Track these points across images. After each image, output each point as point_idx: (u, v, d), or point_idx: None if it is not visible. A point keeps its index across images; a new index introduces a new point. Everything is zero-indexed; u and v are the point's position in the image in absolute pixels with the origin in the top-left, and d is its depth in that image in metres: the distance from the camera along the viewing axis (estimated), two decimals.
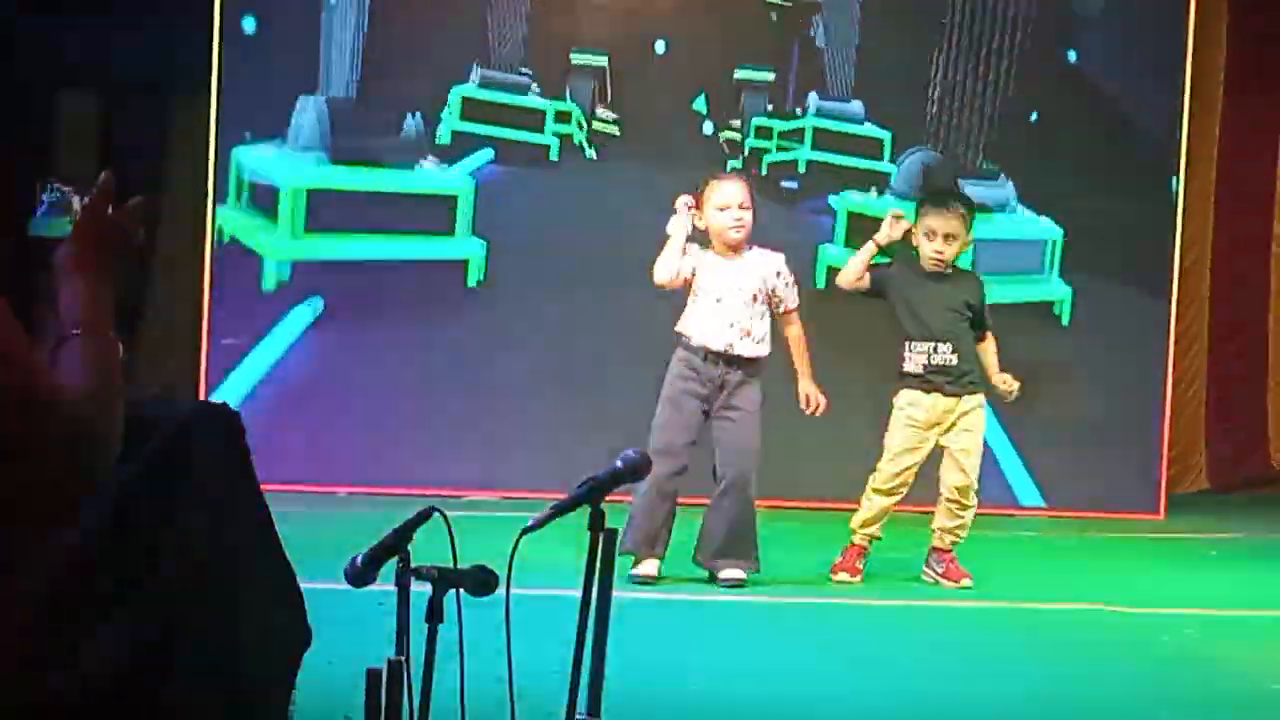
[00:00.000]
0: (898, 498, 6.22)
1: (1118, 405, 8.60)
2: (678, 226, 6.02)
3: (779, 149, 8.33)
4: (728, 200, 6.01)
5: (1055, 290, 8.62)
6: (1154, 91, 8.62)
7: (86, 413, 2.03)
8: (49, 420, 2.02)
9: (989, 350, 6.36)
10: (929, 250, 6.19)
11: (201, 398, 7.64)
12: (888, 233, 6.23)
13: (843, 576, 6.22)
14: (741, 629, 5.49)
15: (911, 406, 6.20)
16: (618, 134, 8.19)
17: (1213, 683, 4.90)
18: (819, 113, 8.37)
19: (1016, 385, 6.33)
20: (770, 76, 8.32)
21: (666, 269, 6.03)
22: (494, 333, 8.07)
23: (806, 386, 6.13)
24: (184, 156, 8.00)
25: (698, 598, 5.87)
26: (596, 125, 8.18)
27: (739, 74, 8.28)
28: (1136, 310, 8.65)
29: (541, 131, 8.13)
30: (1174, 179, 8.61)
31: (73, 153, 8.00)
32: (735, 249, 6.05)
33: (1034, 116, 8.50)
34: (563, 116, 8.16)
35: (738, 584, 5.98)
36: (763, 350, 6.05)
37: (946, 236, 6.16)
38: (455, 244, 8.07)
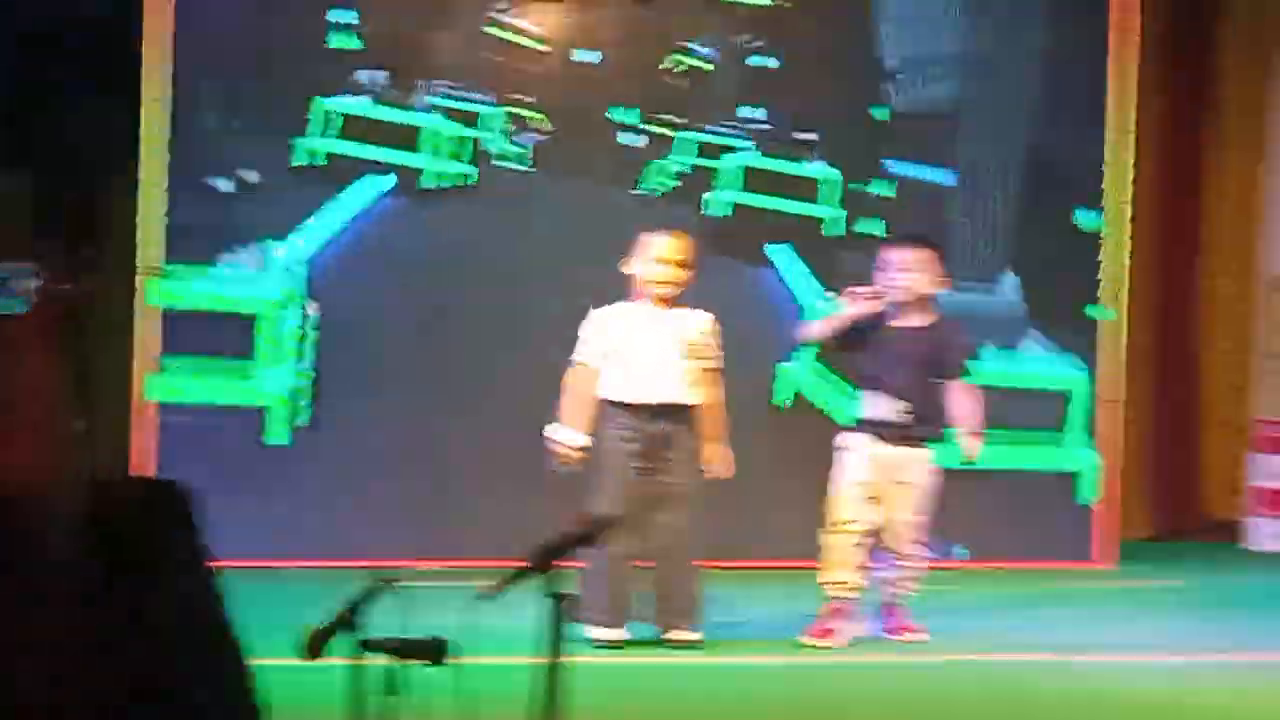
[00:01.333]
0: (853, 539, 6.07)
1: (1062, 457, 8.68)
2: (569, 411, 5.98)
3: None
4: (664, 254, 6.00)
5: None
6: (1075, 137, 8.73)
7: (41, 491, 2.01)
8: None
9: (961, 401, 6.18)
10: (883, 281, 6.15)
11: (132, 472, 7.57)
12: (866, 310, 6.14)
13: (809, 640, 6.08)
14: (700, 692, 5.45)
15: (853, 449, 6.15)
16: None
17: None
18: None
19: (977, 449, 6.19)
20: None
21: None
22: (434, 395, 8.05)
23: (716, 451, 6.02)
24: (114, 229, 7.94)
25: (658, 660, 5.83)
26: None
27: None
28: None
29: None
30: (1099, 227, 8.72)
31: (13, 232, 7.95)
32: (665, 302, 6.03)
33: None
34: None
35: (693, 645, 5.94)
36: (695, 400, 6.00)
37: (900, 267, 6.13)
38: None
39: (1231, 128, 9.96)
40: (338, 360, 7.97)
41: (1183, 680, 5.71)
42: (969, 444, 6.17)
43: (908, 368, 6.12)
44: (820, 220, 8.40)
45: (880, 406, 6.13)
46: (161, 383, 7.74)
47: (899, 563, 6.21)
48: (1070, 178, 8.75)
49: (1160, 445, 9.96)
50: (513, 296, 8.05)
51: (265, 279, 7.88)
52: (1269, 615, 7.22)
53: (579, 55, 8.21)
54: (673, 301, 6.04)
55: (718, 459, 6.03)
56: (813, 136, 8.40)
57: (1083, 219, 8.74)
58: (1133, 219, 8.82)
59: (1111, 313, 8.73)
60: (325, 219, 7.94)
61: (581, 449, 5.93)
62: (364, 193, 7.98)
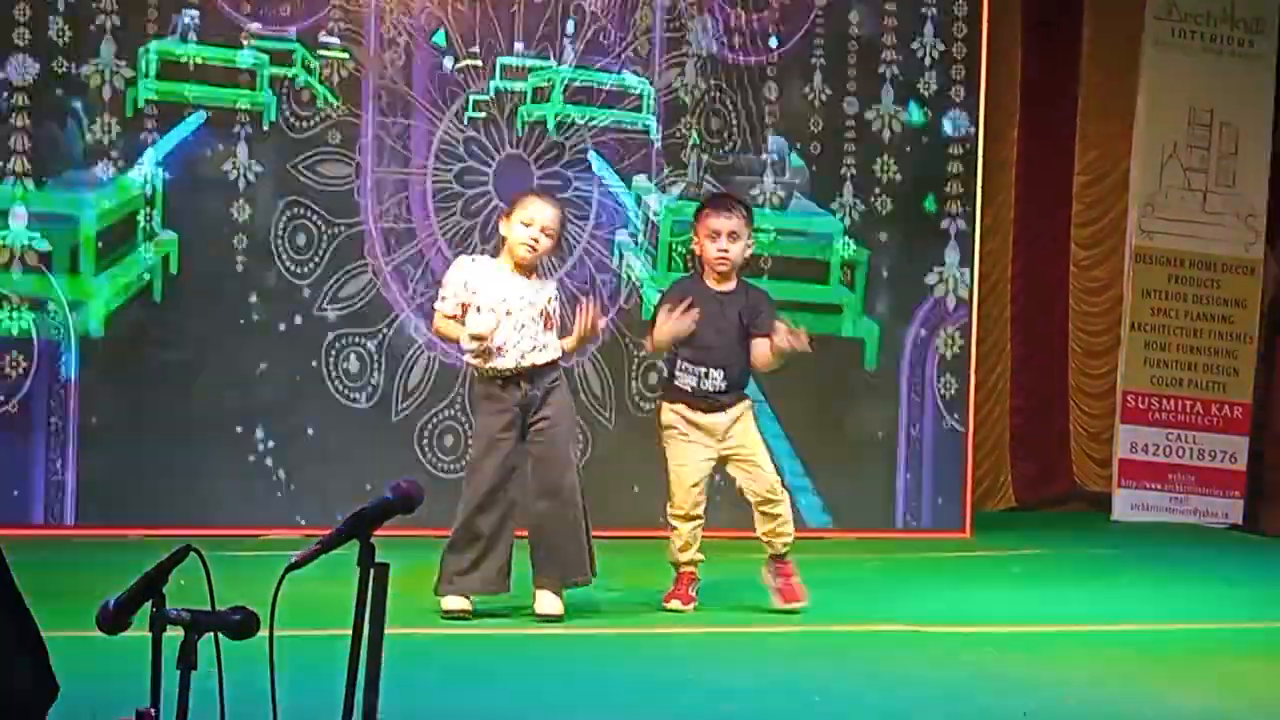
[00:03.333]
0: (698, 521, 6.14)
1: (924, 424, 8.67)
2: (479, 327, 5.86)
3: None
4: (532, 218, 5.91)
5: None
6: (950, 104, 8.72)
7: None
8: None
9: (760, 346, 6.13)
10: (713, 251, 6.12)
11: None
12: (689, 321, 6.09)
13: (675, 605, 6.13)
14: (555, 662, 5.37)
15: (676, 426, 6.14)
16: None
17: (1006, 697, 4.91)
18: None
19: (801, 332, 6.07)
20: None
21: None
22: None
23: (568, 343, 5.97)
24: None
25: (514, 631, 5.75)
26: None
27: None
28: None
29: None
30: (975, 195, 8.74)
31: None
32: (525, 268, 5.95)
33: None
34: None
35: (556, 618, 5.87)
36: (555, 354, 5.94)
37: (730, 235, 6.12)
38: None
39: (1101, 96, 10.01)
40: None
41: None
42: (785, 336, 6.04)
43: (724, 336, 6.11)
44: None
45: (699, 378, 6.11)
46: None
47: (764, 511, 6.16)
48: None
49: (1030, 418, 10.02)
50: None
51: None
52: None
53: None
54: (532, 268, 5.97)
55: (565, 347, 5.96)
56: None
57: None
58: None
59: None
60: None
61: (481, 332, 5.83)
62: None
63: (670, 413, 6.18)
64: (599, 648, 5.66)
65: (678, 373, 6.15)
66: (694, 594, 6.18)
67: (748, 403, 6.22)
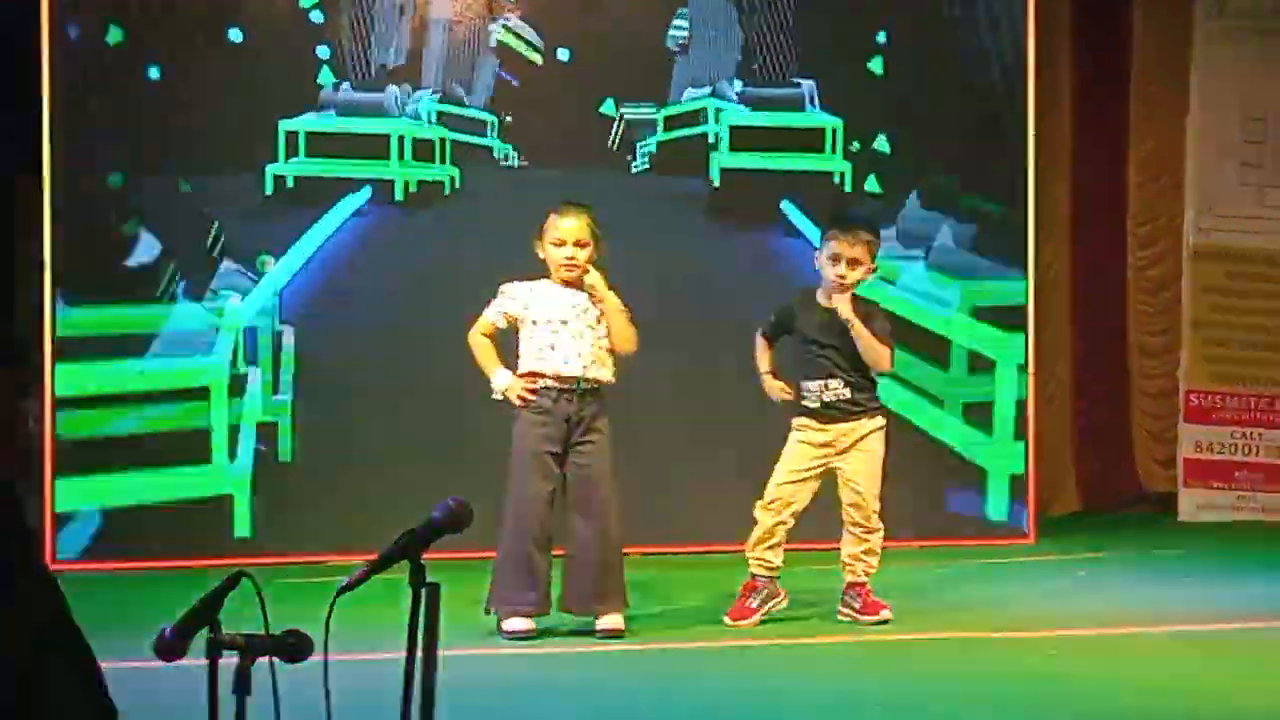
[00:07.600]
0: (782, 518, 6.11)
1: (984, 429, 8.63)
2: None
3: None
4: (562, 237, 5.94)
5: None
6: (1003, 108, 8.67)
7: None
8: None
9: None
10: (832, 275, 6.13)
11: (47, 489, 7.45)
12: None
13: (734, 620, 6.12)
14: (620, 680, 5.38)
15: (803, 430, 6.17)
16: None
17: (1068, 700, 4.89)
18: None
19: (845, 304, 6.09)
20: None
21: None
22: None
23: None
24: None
25: (577, 650, 5.76)
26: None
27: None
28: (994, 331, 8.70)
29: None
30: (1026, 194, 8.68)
31: None
32: (571, 285, 5.97)
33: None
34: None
35: (617, 634, 5.88)
36: (611, 376, 5.97)
37: (851, 261, 6.12)
38: None
39: (1154, 95, 9.93)
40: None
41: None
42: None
43: (838, 348, 6.12)
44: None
45: (821, 391, 6.13)
46: None
47: (854, 533, 6.15)
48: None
49: (1093, 420, 9.94)
50: None
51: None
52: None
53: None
54: (577, 283, 5.97)
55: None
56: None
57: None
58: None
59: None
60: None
61: (512, 385, 5.90)
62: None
63: (796, 426, 6.21)
64: (660, 663, 5.66)
65: (803, 393, 6.18)
66: (756, 606, 6.15)
67: (877, 422, 6.19)
